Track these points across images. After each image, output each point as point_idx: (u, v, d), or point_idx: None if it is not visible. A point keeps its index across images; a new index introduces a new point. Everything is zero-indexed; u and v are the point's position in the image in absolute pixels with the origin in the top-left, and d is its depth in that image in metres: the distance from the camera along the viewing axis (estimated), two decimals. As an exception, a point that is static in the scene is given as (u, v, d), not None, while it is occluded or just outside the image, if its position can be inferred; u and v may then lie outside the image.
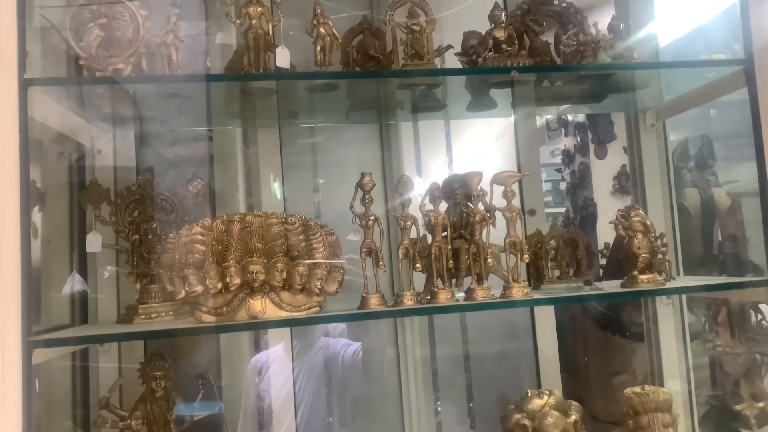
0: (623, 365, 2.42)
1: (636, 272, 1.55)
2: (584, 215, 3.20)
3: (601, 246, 3.04)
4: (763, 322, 2.26)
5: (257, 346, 2.11)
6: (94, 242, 1.61)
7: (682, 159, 2.41)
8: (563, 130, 3.54)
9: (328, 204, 2.01)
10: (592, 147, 3.32)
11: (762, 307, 2.24)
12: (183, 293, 1.40)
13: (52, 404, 1.66)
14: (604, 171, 3.14)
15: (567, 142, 3.51)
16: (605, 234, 2.99)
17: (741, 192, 2.43)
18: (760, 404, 1.87)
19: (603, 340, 2.51)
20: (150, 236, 1.64)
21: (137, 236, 1.64)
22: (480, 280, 1.52)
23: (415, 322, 2.07)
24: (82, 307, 1.75)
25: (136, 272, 1.63)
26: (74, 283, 1.76)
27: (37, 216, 1.62)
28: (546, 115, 2.81)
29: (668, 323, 2.04)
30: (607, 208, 3.06)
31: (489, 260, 1.50)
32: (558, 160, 3.53)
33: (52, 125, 1.61)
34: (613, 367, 2.43)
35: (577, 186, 3.45)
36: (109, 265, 1.77)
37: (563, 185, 3.61)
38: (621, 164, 3.04)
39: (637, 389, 1.84)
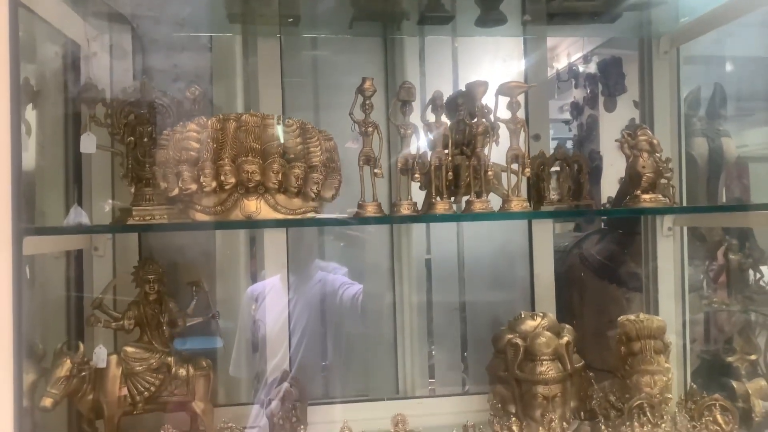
0: (619, 315, 2.43)
1: (639, 191, 1.51)
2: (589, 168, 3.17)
3: (604, 200, 3.01)
4: (762, 281, 2.26)
5: (254, 278, 2.11)
6: (88, 143, 1.58)
7: (693, 107, 2.35)
8: (573, 82, 3.47)
9: (327, 119, 1.97)
10: (601, 99, 3.25)
11: (763, 269, 2.25)
12: (177, 190, 1.38)
13: (46, 305, 1.66)
14: (612, 124, 3.07)
15: (576, 94, 3.45)
16: (609, 188, 2.96)
17: (749, 157, 2.38)
18: (752, 357, 1.88)
19: (600, 289, 2.50)
20: (145, 139, 1.60)
21: (132, 138, 1.60)
22: (479, 195, 1.50)
23: (413, 267, 2.06)
24: (76, 211, 1.73)
25: (131, 175, 1.60)
26: (76, 215, 1.75)
27: (30, 114, 1.59)
28: (557, 37, 2.71)
29: (667, 260, 2.02)
30: (613, 161, 3.02)
31: (489, 173, 1.47)
32: (567, 116, 3.47)
33: (47, 18, 1.55)
34: (609, 316, 2.43)
35: (584, 139, 3.39)
36: (103, 169, 1.75)
37: (569, 144, 3.56)
38: (630, 118, 2.98)
39: (632, 316, 1.84)
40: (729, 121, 2.29)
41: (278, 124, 1.40)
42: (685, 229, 2.01)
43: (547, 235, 1.96)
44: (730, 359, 1.88)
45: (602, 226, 2.76)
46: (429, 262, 2.08)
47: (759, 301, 2.26)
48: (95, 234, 1.75)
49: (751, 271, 2.31)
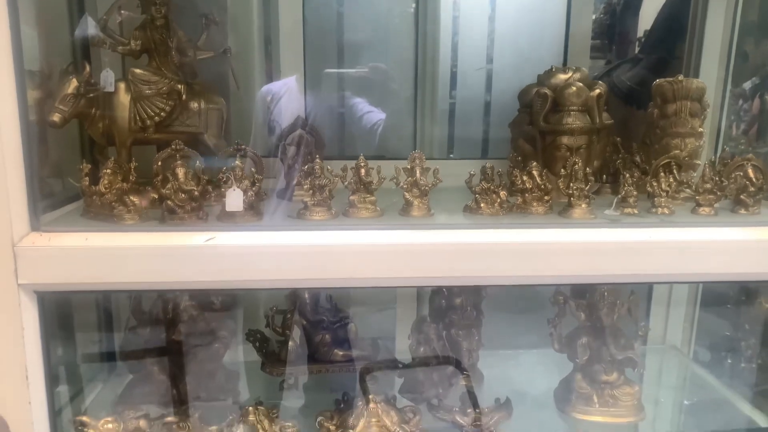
0: (643, 140, 2.33)
1: None
2: (629, -3, 2.89)
3: (640, 34, 2.78)
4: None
5: (269, 78, 1.99)
6: None
7: None
8: None
9: None
10: None
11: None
12: None
13: (45, 25, 1.56)
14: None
15: None
16: (645, 22, 2.72)
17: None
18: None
19: (626, 115, 2.37)
20: None
21: None
22: None
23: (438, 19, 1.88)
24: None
25: None
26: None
27: None
28: None
29: (716, 24, 1.85)
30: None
31: None
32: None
33: None
34: (633, 140, 2.34)
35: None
36: None
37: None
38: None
39: (670, 78, 1.72)
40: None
41: None
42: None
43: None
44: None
45: (637, 53, 2.58)
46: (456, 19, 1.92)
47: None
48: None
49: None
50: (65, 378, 1.76)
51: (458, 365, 1.72)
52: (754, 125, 2.26)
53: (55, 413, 1.34)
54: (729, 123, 2.17)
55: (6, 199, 1.18)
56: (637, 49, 2.67)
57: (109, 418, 1.43)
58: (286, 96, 2.02)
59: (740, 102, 2.31)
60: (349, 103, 2.07)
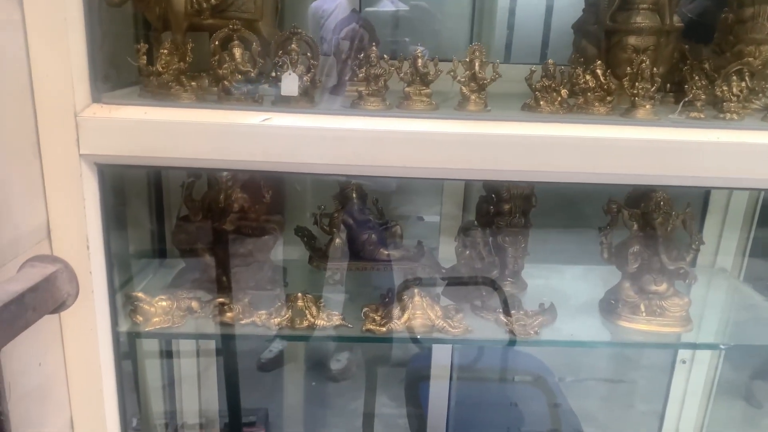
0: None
1: None
2: None
3: None
4: None
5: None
6: None
7: None
8: None
9: None
10: None
11: None
12: None
13: None
14: None
15: None
16: None
17: None
18: None
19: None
20: None
21: None
22: None
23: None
24: None
25: None
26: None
27: None
28: None
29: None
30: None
31: None
32: None
33: None
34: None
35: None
36: None
37: None
38: None
39: (750, -21, 1.61)
40: None
41: None
42: None
43: None
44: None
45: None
46: None
47: None
48: None
49: None
50: (117, 266, 1.82)
51: (503, 271, 1.72)
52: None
53: (113, 285, 1.39)
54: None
55: (68, 68, 1.19)
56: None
57: (163, 296, 1.48)
58: (336, 12, 1.99)
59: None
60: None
